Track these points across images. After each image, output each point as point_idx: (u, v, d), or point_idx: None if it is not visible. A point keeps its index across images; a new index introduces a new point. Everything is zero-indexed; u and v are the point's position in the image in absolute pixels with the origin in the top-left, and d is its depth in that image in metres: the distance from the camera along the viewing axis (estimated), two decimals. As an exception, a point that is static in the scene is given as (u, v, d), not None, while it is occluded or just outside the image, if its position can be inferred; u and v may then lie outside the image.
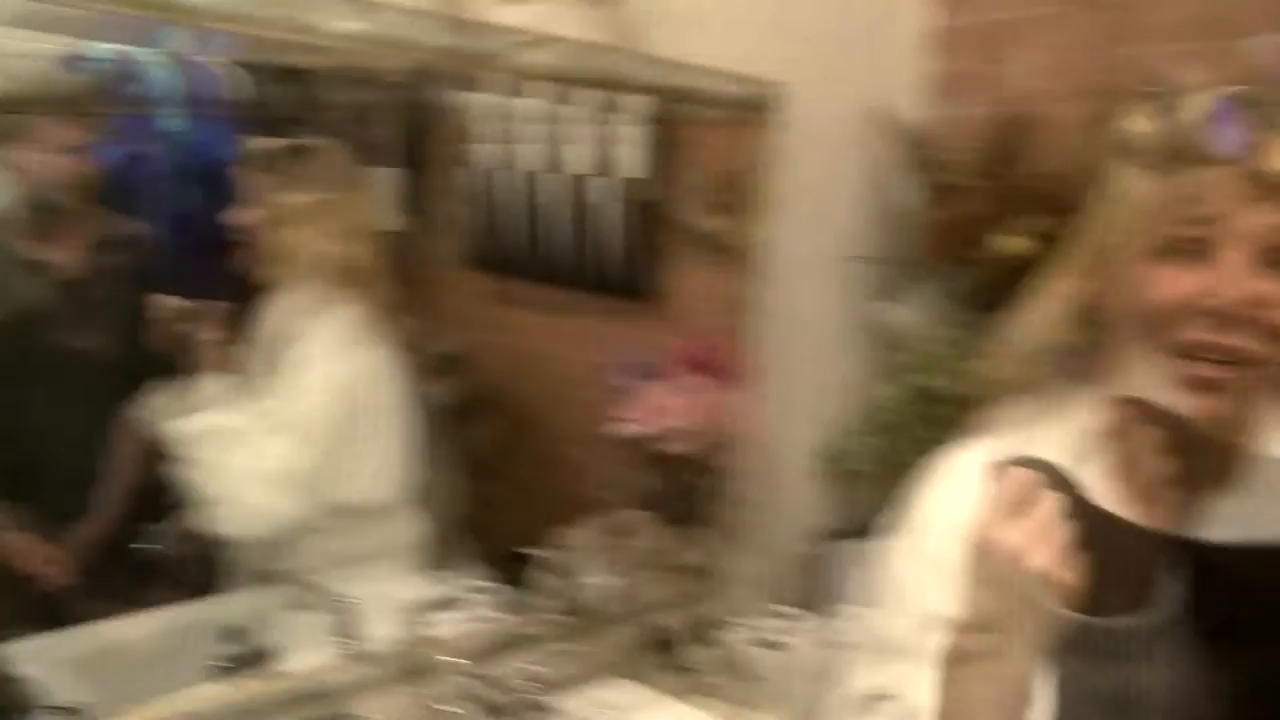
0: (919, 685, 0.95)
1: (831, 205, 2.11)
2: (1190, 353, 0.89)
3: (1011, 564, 0.84)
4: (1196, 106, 0.90)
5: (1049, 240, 1.87)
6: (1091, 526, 0.87)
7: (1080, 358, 0.99)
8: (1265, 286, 0.87)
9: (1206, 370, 0.89)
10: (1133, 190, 0.93)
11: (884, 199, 2.19)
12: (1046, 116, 2.06)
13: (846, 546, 2.03)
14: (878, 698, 1.00)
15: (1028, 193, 1.99)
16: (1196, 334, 0.89)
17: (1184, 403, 0.90)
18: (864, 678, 1.03)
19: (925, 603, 0.98)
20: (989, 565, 0.87)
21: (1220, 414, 0.90)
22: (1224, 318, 0.88)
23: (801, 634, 1.87)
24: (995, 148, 2.07)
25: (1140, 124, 0.94)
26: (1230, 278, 0.88)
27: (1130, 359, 0.94)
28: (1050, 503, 0.86)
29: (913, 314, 2.15)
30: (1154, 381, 0.92)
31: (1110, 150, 0.96)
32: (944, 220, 2.07)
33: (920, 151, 2.13)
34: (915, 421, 2.11)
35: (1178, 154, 0.90)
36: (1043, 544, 0.84)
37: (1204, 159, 0.89)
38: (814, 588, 2.04)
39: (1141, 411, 0.87)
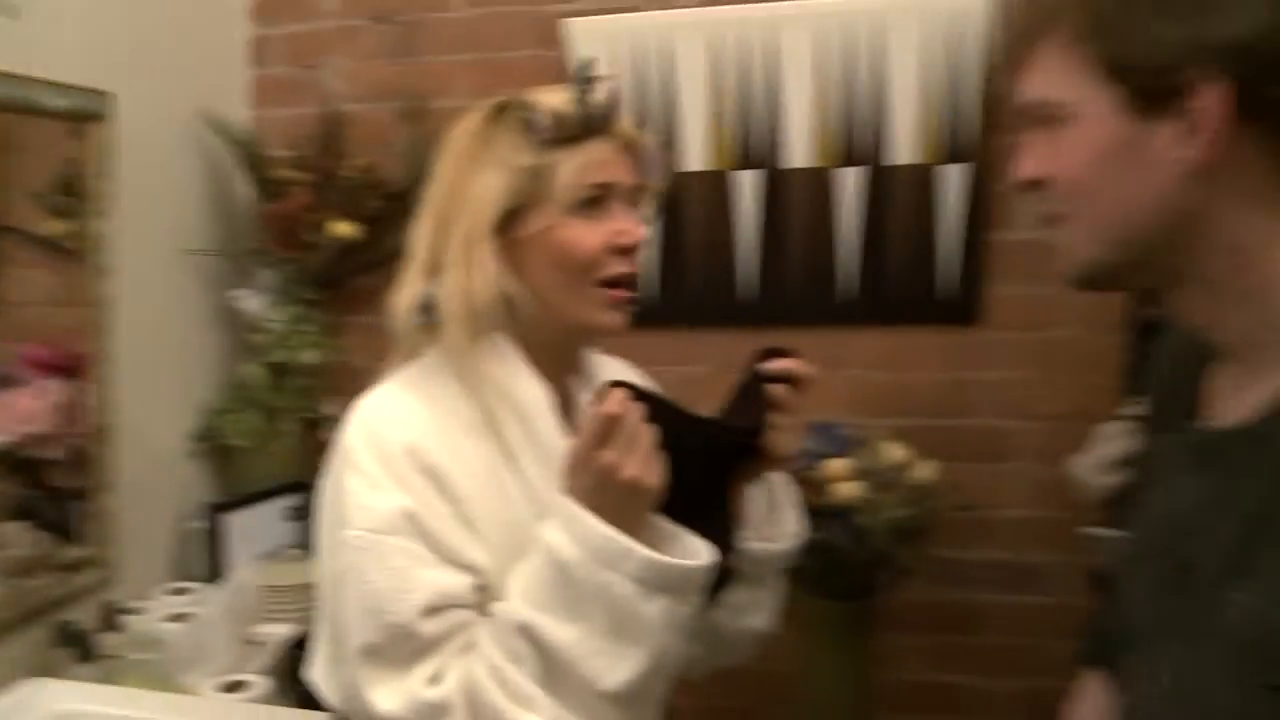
0: (460, 668, 1.03)
1: (172, 202, 2.24)
2: (611, 283, 1.11)
3: (607, 479, 0.99)
4: (601, 91, 1.11)
5: (374, 223, 2.22)
6: (672, 429, 1.02)
7: (505, 307, 1.11)
8: (642, 227, 1.13)
9: (623, 294, 1.12)
10: (541, 162, 1.08)
11: (223, 195, 2.37)
12: (358, 115, 2.38)
13: (231, 517, 2.22)
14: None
15: (349, 183, 2.29)
16: (614, 269, 1.11)
17: (609, 320, 1.13)
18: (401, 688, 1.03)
19: (416, 591, 1.03)
20: (587, 482, 1.00)
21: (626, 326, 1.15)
22: (630, 254, 1.12)
23: (202, 603, 2.02)
24: (316, 145, 2.34)
25: (555, 106, 1.10)
26: (630, 224, 1.11)
27: (552, 295, 1.12)
28: (636, 416, 0.99)
29: (261, 299, 2.35)
30: (585, 310, 1.12)
31: (507, 130, 1.11)
32: (277, 212, 2.29)
33: (249, 150, 2.34)
34: (275, 394, 2.34)
35: (584, 130, 1.09)
36: (631, 455, 0.99)
37: (601, 133, 1.11)
38: (206, 559, 2.19)
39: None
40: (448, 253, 1.10)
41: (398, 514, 1.04)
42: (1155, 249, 0.82)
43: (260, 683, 1.86)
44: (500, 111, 1.13)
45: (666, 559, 1.00)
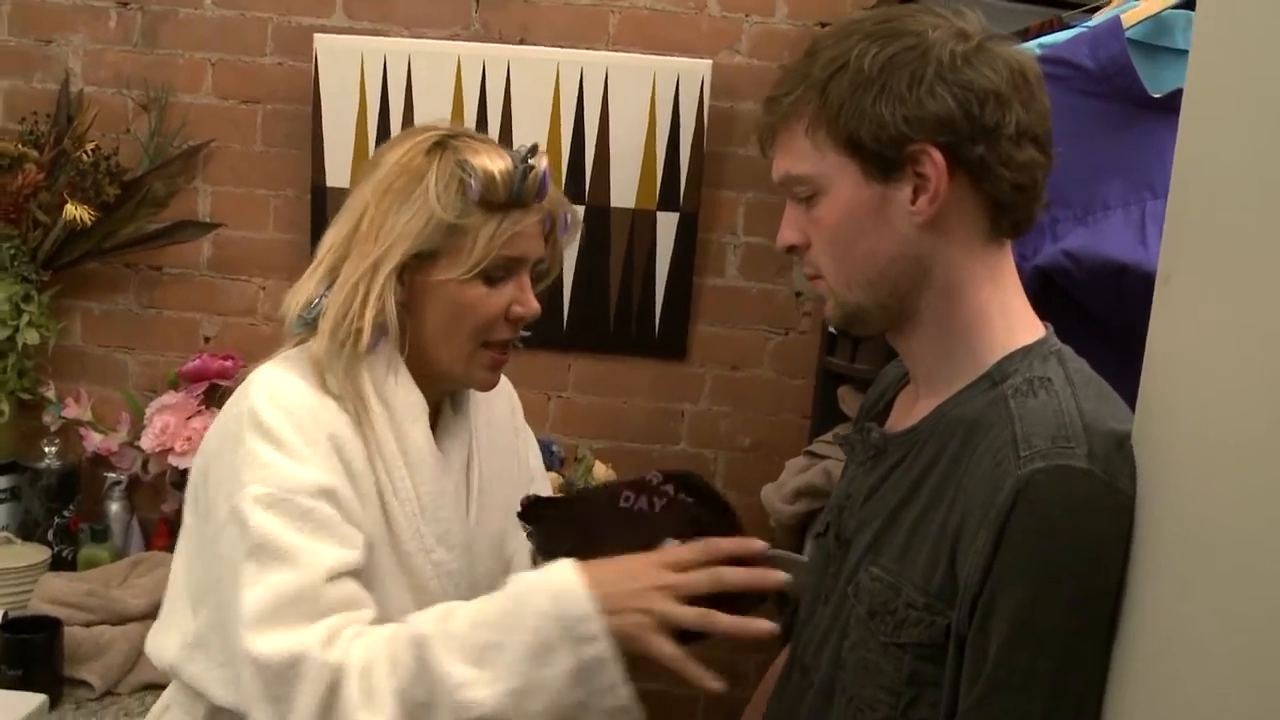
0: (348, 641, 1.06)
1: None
2: (495, 346, 1.23)
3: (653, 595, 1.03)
4: (539, 170, 1.19)
5: (108, 210, 2.31)
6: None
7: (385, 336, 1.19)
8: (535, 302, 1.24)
9: (502, 356, 1.24)
10: (464, 222, 1.17)
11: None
12: (96, 99, 2.44)
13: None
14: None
15: (85, 166, 2.36)
16: (503, 335, 1.23)
17: (486, 379, 1.25)
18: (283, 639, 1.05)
19: (317, 558, 1.08)
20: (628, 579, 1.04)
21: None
22: (520, 323, 1.24)
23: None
24: (51, 123, 2.40)
25: (491, 172, 1.17)
26: (528, 296, 1.23)
27: (437, 344, 1.21)
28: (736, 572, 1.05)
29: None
30: (462, 366, 1.22)
31: (440, 176, 1.18)
32: (4, 187, 2.31)
33: None
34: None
35: (515, 200, 1.19)
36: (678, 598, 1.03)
37: (528, 206, 1.21)
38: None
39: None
40: (349, 270, 1.17)
41: (315, 486, 1.10)
42: (896, 292, 1.00)
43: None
44: (438, 149, 1.19)
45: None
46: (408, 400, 1.20)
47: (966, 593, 0.90)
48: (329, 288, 1.18)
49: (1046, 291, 1.33)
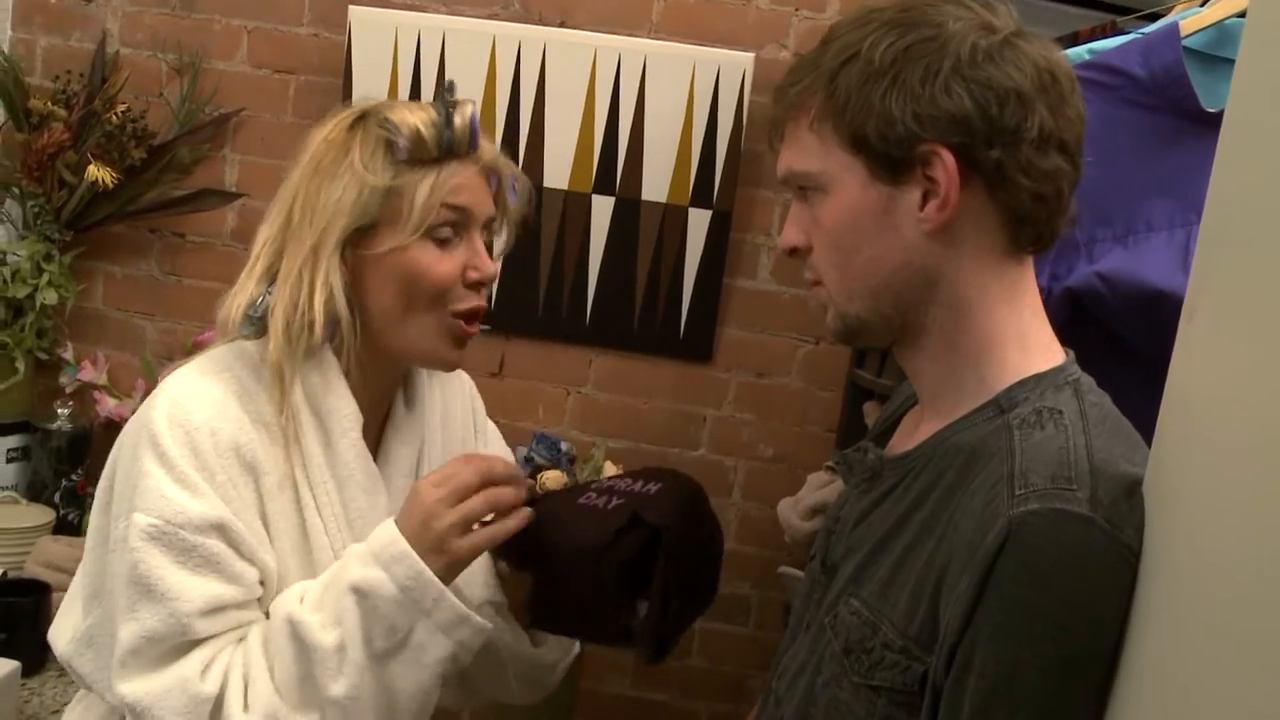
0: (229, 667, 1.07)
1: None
2: (459, 315, 1.14)
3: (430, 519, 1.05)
4: (465, 113, 1.11)
5: (134, 173, 2.28)
6: None
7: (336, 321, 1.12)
8: (492, 263, 1.16)
9: (468, 328, 1.15)
10: (397, 182, 1.10)
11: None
12: (130, 60, 2.41)
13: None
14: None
15: (113, 128, 2.33)
16: (466, 302, 1.14)
17: (451, 355, 1.16)
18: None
19: (198, 592, 1.05)
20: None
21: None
22: (481, 288, 1.15)
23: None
24: (83, 82, 2.37)
25: (416, 125, 1.10)
26: (483, 257, 1.14)
27: (394, 323, 1.14)
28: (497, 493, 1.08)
29: (4, 230, 2.37)
30: (424, 339, 1.14)
31: (365, 143, 1.12)
32: (30, 144, 2.29)
33: (6, 74, 2.32)
34: (9, 331, 2.38)
35: (444, 153, 1.11)
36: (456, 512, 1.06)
37: (463, 156, 1.13)
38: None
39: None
40: (289, 262, 1.11)
41: (203, 521, 1.05)
42: (900, 305, 0.93)
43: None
44: (360, 121, 1.14)
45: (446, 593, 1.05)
46: (341, 411, 1.14)
47: (945, 640, 0.82)
48: (271, 285, 1.12)
49: (1077, 316, 1.24)
